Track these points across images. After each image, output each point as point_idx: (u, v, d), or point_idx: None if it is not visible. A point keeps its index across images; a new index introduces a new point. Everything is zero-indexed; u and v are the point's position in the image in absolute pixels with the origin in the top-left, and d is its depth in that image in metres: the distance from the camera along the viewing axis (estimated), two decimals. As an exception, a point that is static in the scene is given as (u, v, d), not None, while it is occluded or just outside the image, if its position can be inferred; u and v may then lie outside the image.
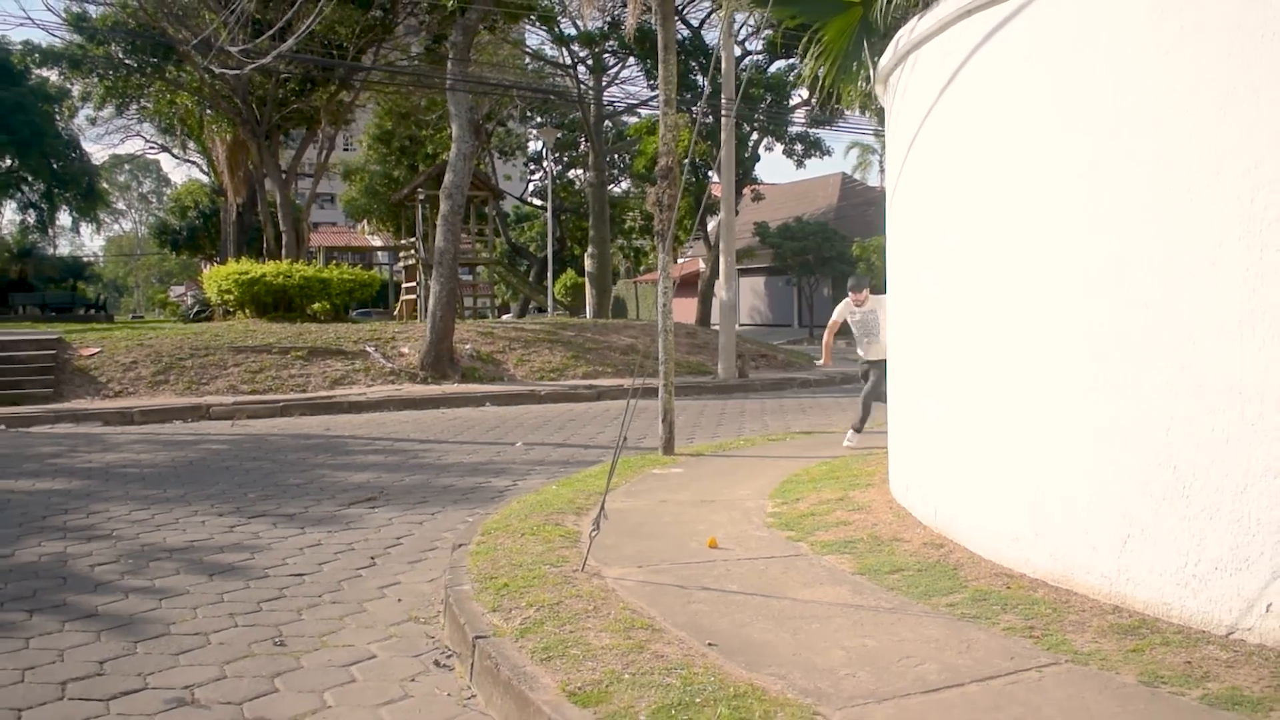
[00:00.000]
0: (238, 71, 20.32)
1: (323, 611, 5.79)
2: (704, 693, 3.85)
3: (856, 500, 7.25)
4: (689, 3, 32.34)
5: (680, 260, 48.28)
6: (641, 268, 55.02)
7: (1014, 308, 5.44)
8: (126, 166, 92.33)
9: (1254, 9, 4.12)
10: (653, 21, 16.63)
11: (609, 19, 31.67)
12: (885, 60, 6.80)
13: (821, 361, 12.22)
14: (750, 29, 31.57)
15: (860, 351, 11.04)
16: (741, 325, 40.34)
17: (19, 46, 35.57)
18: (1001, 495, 5.54)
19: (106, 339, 21.11)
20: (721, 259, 20.55)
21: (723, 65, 18.52)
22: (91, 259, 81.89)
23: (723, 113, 19.66)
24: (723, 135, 19.90)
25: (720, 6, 21.92)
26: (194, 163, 55.01)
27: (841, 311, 10.94)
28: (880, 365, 10.01)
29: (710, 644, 4.43)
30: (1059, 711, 3.69)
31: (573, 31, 34.20)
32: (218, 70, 22.15)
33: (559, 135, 42.49)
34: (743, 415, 15.87)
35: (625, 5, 10.15)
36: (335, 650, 5.11)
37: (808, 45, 7.13)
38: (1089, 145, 4.86)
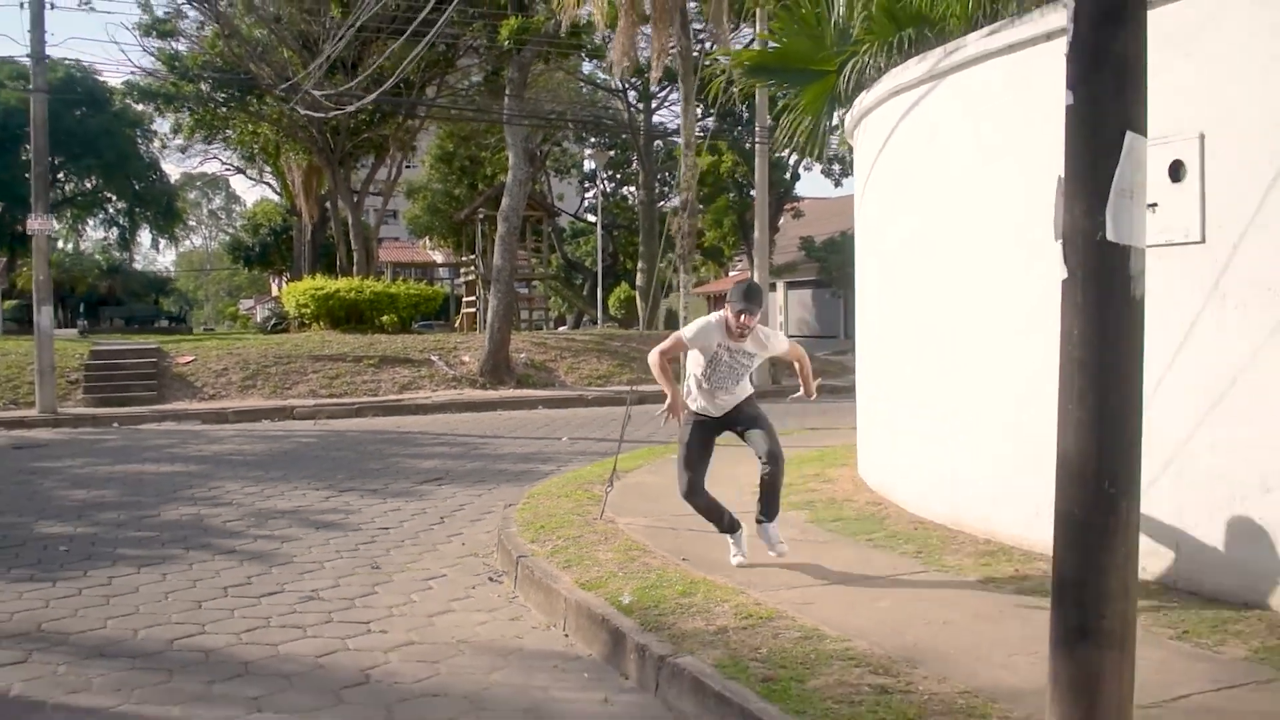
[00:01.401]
0: (322, 115, 22.44)
1: (405, 550, 7.64)
2: (670, 582, 5.64)
3: (829, 475, 8.98)
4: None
5: (731, 274, 50.02)
6: (693, 281, 56.93)
7: (920, 320, 7.19)
8: (197, 184, 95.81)
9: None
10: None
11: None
12: (848, 122, 8.56)
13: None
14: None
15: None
16: (789, 336, 41.88)
17: (120, 86, 38.32)
18: (918, 466, 7.26)
19: (199, 349, 23.33)
20: (755, 275, 22.30)
21: (756, 101, 20.30)
22: (170, 275, 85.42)
23: (756, 140, 21.42)
24: (756, 161, 21.64)
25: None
26: (267, 184, 57.77)
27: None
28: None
29: (684, 559, 6.21)
30: (915, 595, 5.42)
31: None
32: (302, 111, 24.35)
33: (611, 154, 44.51)
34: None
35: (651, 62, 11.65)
36: (416, 572, 6.95)
37: (783, 111, 8.86)
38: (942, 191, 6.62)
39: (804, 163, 36.89)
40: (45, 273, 19.97)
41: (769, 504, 6.14)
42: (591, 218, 51.89)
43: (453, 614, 5.97)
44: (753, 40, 21.06)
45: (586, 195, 52.25)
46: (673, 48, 11.08)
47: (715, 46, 12.81)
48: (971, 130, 6.61)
